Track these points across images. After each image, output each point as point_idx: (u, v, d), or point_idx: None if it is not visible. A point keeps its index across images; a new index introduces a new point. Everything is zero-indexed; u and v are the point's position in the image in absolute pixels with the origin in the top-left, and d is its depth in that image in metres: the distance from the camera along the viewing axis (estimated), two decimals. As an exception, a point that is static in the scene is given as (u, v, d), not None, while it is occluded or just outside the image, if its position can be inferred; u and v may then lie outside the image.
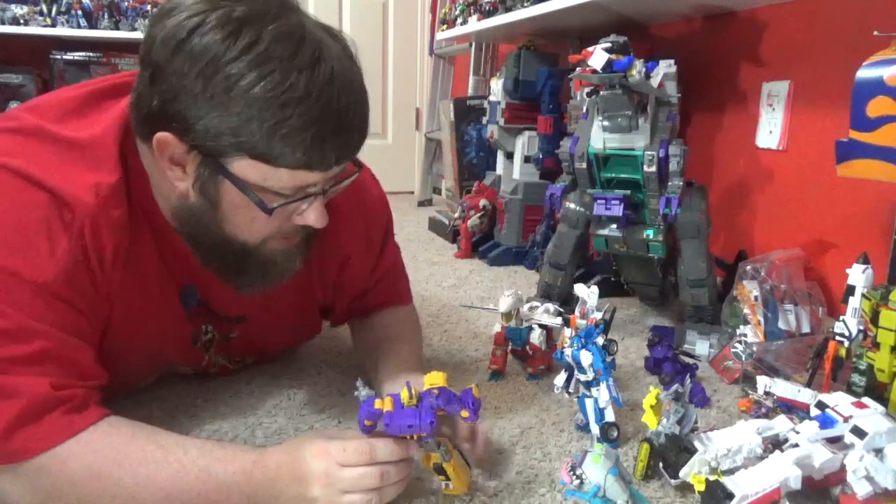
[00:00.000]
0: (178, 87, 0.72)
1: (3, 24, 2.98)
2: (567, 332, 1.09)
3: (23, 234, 0.73)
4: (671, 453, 0.84)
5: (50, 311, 0.73)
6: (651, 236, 1.37)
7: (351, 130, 0.78)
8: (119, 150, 0.80)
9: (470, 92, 3.01)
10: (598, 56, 1.22)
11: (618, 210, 1.33)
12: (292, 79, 0.71)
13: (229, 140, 0.73)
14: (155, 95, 0.74)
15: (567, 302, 1.47)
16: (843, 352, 1.02)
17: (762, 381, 1.02)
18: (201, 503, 0.72)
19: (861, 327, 1.00)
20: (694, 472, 0.81)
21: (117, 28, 3.14)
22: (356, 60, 0.79)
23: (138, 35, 3.14)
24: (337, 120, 0.75)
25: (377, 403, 0.75)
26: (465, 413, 0.76)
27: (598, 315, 1.05)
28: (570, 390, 0.98)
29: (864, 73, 1.01)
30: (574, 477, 0.75)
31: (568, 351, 0.96)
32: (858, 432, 0.80)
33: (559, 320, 1.20)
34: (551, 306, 1.24)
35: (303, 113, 0.72)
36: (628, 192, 1.35)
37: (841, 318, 1.03)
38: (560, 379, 0.98)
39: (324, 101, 0.73)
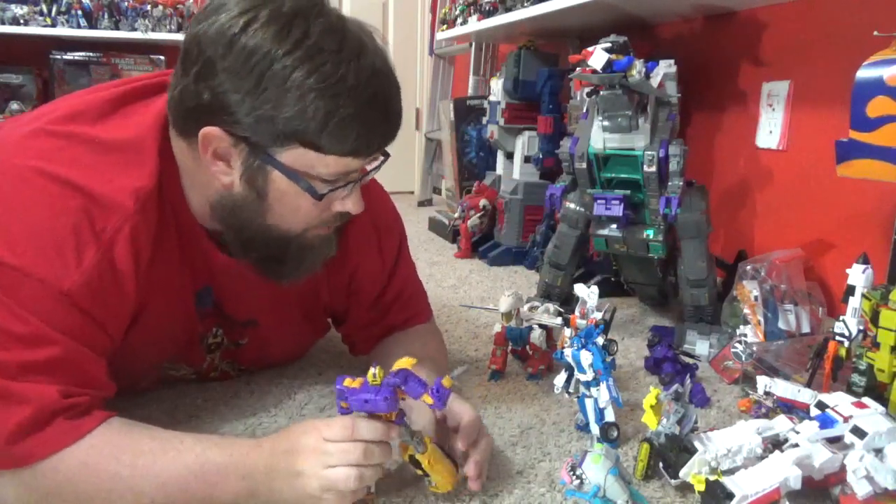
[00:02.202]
0: (230, 81, 0.74)
1: (3, 24, 2.98)
2: (567, 332, 1.09)
3: (53, 242, 0.73)
4: (671, 453, 0.84)
5: (68, 320, 0.73)
6: (651, 236, 1.37)
7: (393, 118, 0.82)
8: (157, 150, 0.82)
9: (470, 92, 3.01)
10: (598, 56, 1.22)
11: (618, 210, 1.33)
12: (342, 70, 0.74)
13: (282, 130, 0.75)
14: (204, 91, 0.75)
15: (567, 302, 1.47)
16: (843, 352, 1.01)
17: (762, 381, 1.02)
18: (199, 487, 0.73)
19: (861, 327, 1.00)
20: (694, 472, 0.81)
21: (117, 28, 3.14)
22: (387, 50, 0.82)
23: (138, 35, 3.14)
24: (382, 108, 0.79)
25: (347, 381, 0.76)
26: (428, 399, 0.75)
27: (598, 315, 1.04)
28: (570, 390, 0.98)
29: (864, 73, 1.01)
30: (574, 477, 0.75)
31: (568, 351, 0.95)
32: (858, 432, 0.80)
33: (559, 320, 1.20)
34: (551, 306, 1.24)
35: (353, 103, 0.75)
36: (628, 192, 1.35)
37: (841, 318, 1.02)
38: (560, 379, 0.98)
39: (370, 91, 0.77)
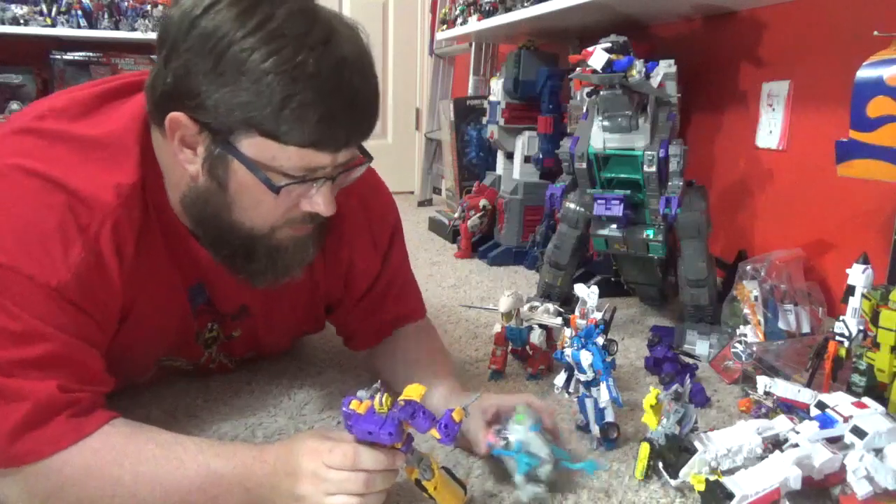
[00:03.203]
0: (191, 64, 0.73)
1: (3, 24, 2.98)
2: (567, 332, 1.09)
3: (39, 238, 0.73)
4: (671, 453, 0.84)
5: (61, 316, 0.73)
6: (651, 236, 1.37)
7: (361, 112, 0.78)
8: (139, 147, 0.81)
9: (470, 92, 3.01)
10: (598, 56, 1.22)
11: (618, 210, 1.33)
12: (303, 56, 0.71)
13: (239, 116, 0.73)
14: (169, 73, 0.75)
15: (567, 302, 1.47)
16: (843, 352, 1.01)
17: (762, 381, 1.02)
18: (201, 498, 0.72)
19: (861, 327, 1.00)
20: (694, 472, 0.81)
21: (117, 28, 3.14)
22: (367, 46, 0.80)
23: (138, 35, 3.14)
24: (347, 99, 0.75)
25: (353, 404, 0.73)
26: (435, 434, 0.73)
27: (598, 315, 1.04)
28: (570, 390, 0.98)
29: (864, 73, 1.01)
30: (500, 438, 0.80)
31: (568, 351, 0.95)
32: (858, 432, 0.80)
33: (559, 320, 1.20)
34: (551, 306, 1.24)
35: (312, 89, 0.72)
36: (628, 192, 1.35)
37: (841, 318, 1.02)
38: (560, 379, 0.98)
39: (334, 80, 0.73)
